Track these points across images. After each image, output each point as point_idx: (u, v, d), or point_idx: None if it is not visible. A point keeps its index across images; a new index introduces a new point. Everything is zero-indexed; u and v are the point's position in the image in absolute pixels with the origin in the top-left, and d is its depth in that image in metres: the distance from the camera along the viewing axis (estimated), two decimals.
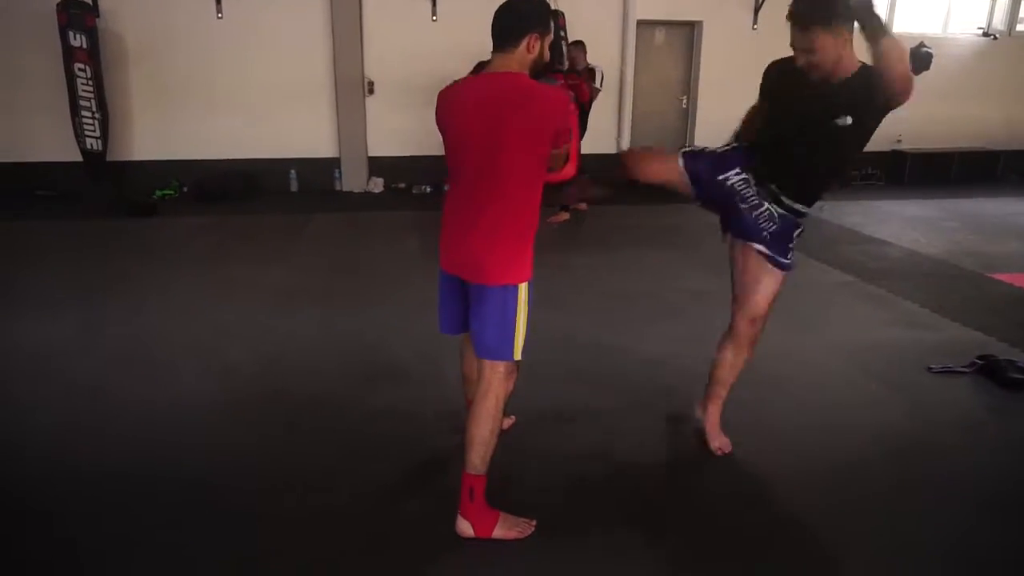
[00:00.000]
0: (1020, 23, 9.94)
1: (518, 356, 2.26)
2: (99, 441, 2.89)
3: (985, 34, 9.87)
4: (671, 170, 2.76)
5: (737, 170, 2.67)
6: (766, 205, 2.62)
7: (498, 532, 2.28)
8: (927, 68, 9.64)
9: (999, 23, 9.93)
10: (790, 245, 2.64)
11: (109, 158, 7.78)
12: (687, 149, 2.81)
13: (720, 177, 2.68)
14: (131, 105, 8.05)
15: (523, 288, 2.22)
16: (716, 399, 2.87)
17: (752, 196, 2.64)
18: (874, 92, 2.28)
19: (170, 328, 4.13)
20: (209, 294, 4.77)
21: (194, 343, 3.91)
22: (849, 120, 2.41)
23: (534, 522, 2.34)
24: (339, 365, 3.63)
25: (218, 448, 2.85)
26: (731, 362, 2.79)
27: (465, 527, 2.27)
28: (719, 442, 2.87)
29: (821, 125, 2.44)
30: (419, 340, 3.85)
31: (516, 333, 2.22)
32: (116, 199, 7.40)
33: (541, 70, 2.24)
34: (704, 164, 2.72)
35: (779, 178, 2.59)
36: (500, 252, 2.18)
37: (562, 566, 2.22)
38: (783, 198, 2.59)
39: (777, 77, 2.62)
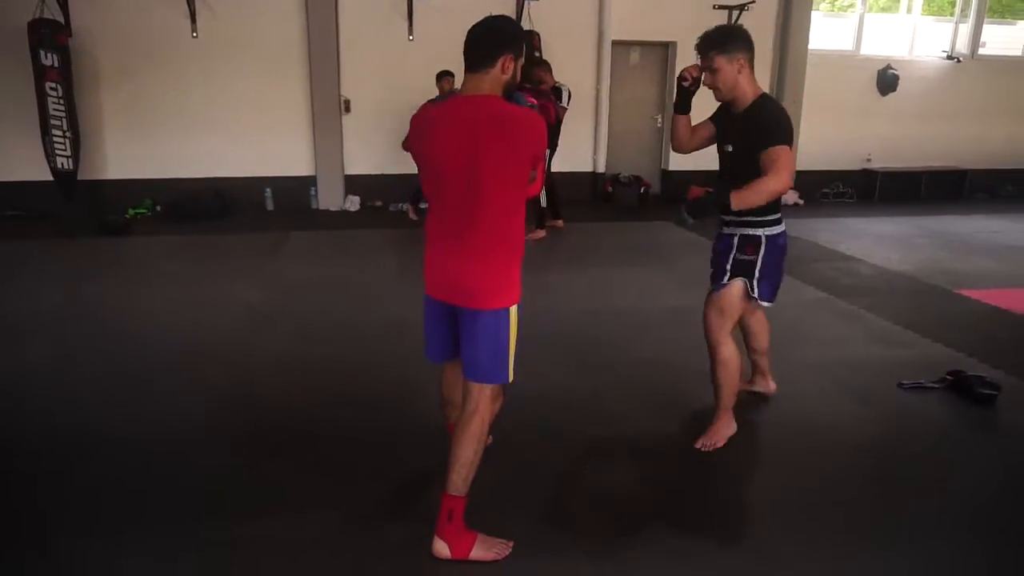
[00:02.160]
0: (981, 47, 10.24)
1: (511, 378, 2.26)
2: (72, 464, 2.82)
3: (949, 57, 10.15)
4: None
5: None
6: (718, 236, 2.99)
7: (475, 554, 2.25)
8: (894, 90, 9.92)
9: (962, 47, 10.22)
10: (728, 258, 2.93)
11: (81, 177, 7.67)
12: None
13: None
14: (103, 124, 7.97)
15: (514, 310, 2.21)
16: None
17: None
18: (752, 130, 2.71)
19: (145, 348, 4.04)
20: (184, 313, 4.69)
21: (169, 363, 3.83)
22: (730, 147, 2.83)
23: (511, 543, 2.32)
24: (316, 386, 3.59)
25: (193, 470, 2.80)
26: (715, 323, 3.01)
27: (442, 548, 2.25)
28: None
29: (718, 150, 2.90)
30: (396, 360, 3.82)
31: (509, 355, 2.22)
32: (88, 218, 7.29)
33: (512, 89, 2.24)
34: None
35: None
36: (489, 277, 2.17)
37: None
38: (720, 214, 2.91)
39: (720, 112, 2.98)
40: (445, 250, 2.22)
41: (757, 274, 2.88)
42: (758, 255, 2.86)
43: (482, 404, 2.23)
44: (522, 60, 2.21)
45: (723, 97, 2.83)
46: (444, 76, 7.16)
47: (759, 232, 2.86)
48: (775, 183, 2.59)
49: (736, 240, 2.90)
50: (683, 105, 3.00)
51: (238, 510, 2.54)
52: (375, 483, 2.72)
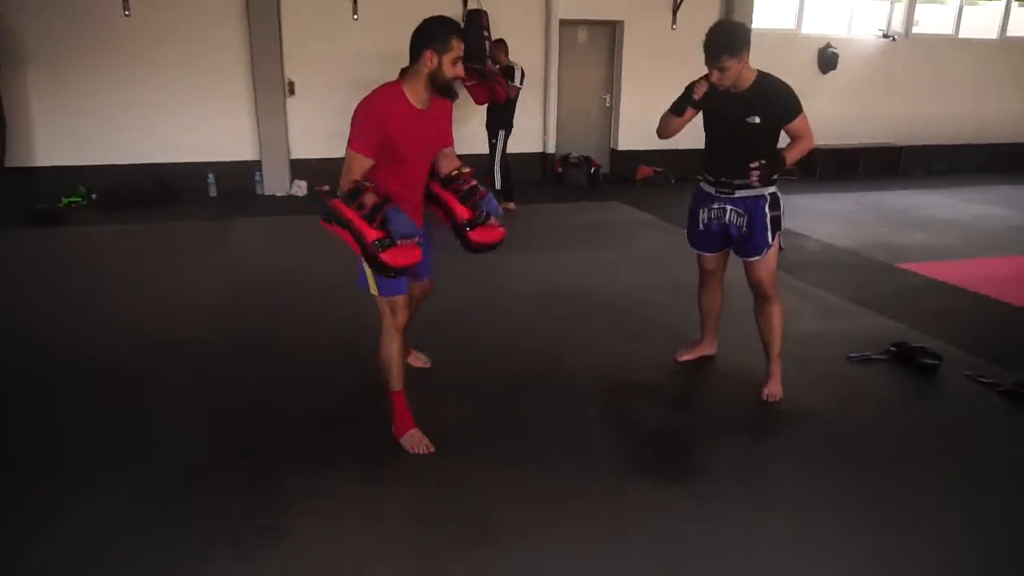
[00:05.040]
0: (915, 26, 10.54)
1: (373, 291, 2.74)
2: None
3: (885, 36, 10.42)
4: None
5: (700, 208, 3.38)
6: (728, 207, 3.27)
7: (403, 440, 2.82)
8: (834, 68, 10.14)
9: (897, 25, 10.50)
10: (766, 222, 3.22)
11: (7, 164, 7.29)
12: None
13: (700, 227, 3.41)
14: (30, 107, 7.57)
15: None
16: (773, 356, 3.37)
17: (715, 208, 3.32)
18: (772, 104, 3.07)
19: (86, 345, 3.88)
20: (127, 308, 4.48)
21: (116, 362, 3.68)
22: (757, 119, 3.06)
23: (432, 450, 2.79)
24: (268, 371, 3.52)
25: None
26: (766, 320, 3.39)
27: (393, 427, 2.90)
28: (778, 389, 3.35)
29: (738, 123, 3.11)
30: (340, 339, 3.77)
31: (362, 269, 2.67)
32: (16, 208, 6.93)
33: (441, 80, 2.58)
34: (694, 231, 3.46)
35: (722, 169, 3.22)
36: None
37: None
38: (733, 182, 3.20)
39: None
40: None
41: (781, 227, 3.25)
42: (780, 210, 3.25)
43: (382, 315, 2.78)
44: (451, 55, 2.54)
45: (725, 87, 3.05)
46: (498, 44, 7.54)
47: (776, 191, 3.24)
48: (808, 143, 3.13)
49: (768, 199, 3.21)
50: (680, 110, 3.23)
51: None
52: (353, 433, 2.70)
